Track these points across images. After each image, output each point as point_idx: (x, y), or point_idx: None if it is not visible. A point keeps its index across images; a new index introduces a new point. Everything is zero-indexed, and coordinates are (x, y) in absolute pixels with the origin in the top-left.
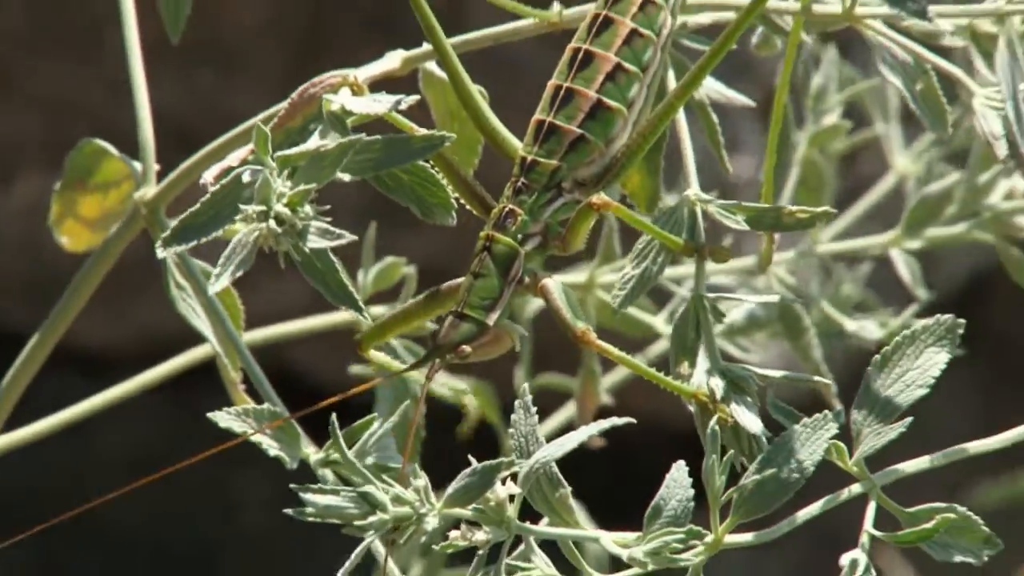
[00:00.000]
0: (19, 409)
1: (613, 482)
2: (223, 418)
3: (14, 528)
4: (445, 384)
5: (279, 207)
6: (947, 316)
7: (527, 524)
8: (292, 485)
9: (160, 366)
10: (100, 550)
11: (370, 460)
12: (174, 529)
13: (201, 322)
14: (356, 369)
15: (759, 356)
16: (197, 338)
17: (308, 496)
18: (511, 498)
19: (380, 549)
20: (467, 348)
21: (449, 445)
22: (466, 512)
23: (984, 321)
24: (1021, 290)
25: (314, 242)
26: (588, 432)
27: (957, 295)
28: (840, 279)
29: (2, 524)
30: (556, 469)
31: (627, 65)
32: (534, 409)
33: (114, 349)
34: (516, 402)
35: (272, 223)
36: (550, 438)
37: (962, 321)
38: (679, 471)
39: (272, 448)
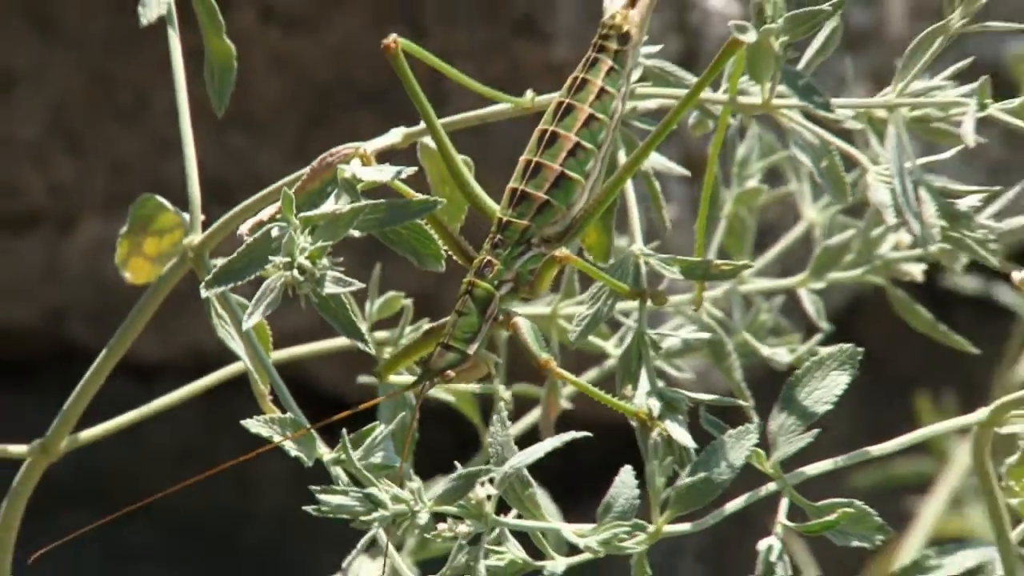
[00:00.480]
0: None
1: (565, 467)
2: (253, 425)
3: (77, 503)
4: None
5: (301, 259)
6: (848, 345)
7: (502, 517)
8: (311, 487)
9: (204, 379)
10: (149, 519)
11: (375, 459)
12: (205, 505)
13: (236, 345)
14: (363, 379)
15: (688, 365)
16: (233, 353)
17: (323, 496)
18: (489, 497)
19: (382, 535)
20: (451, 373)
21: (433, 442)
22: (452, 508)
23: (859, 334)
24: (889, 310)
25: (329, 288)
26: (552, 444)
27: (839, 313)
28: (759, 308)
29: (67, 502)
30: (527, 472)
31: (585, 143)
32: (509, 423)
33: (163, 360)
34: (493, 416)
35: (295, 272)
36: (522, 438)
37: (861, 349)
38: (627, 474)
39: (292, 450)
